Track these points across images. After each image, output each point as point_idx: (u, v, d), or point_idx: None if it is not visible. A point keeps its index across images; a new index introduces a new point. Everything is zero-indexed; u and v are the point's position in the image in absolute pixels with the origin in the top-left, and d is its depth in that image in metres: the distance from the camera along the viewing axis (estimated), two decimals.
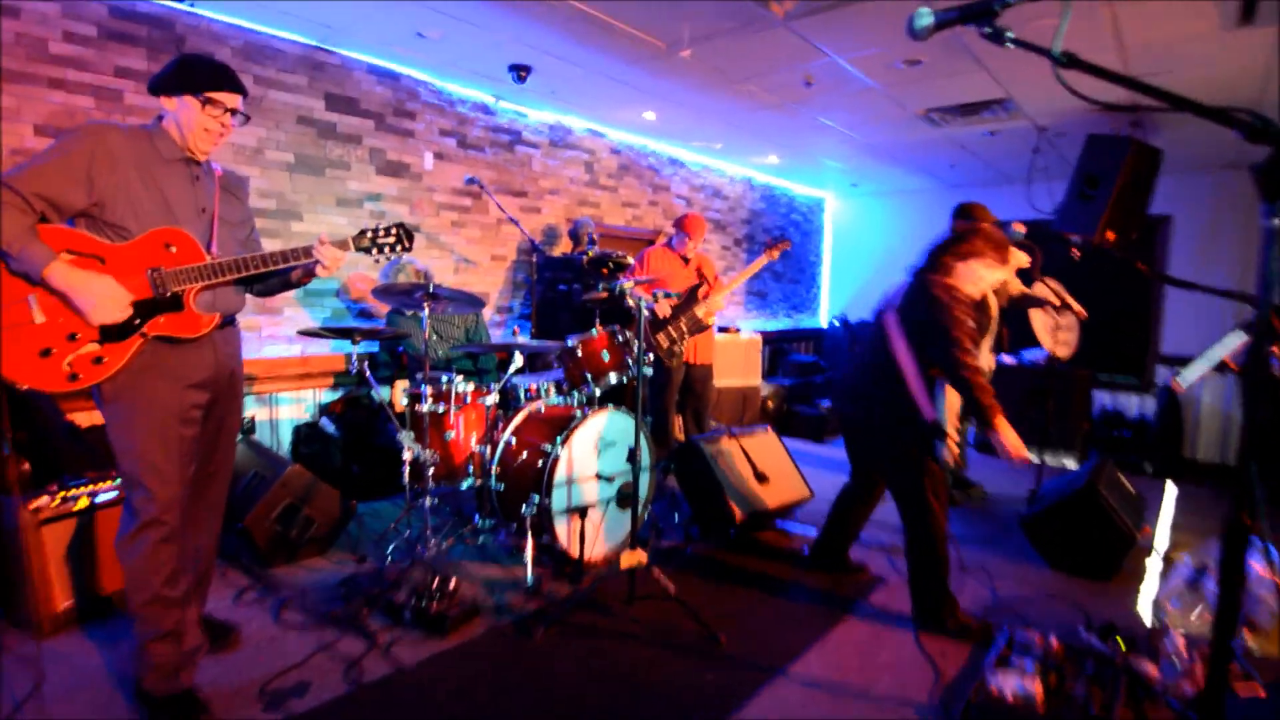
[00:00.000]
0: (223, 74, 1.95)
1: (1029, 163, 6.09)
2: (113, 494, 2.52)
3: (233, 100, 1.97)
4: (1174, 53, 3.72)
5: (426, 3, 3.40)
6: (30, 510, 2.34)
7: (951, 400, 2.66)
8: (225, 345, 2.09)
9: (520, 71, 4.32)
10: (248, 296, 2.23)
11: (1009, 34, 1.34)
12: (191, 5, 3.47)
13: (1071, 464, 5.38)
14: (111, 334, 1.83)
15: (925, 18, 1.41)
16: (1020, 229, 3.81)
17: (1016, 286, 4.15)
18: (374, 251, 2.19)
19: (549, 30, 3.71)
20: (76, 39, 3.21)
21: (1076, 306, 4.20)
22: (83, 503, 2.45)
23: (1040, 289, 4.20)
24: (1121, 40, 3.61)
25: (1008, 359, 5.71)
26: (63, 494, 2.42)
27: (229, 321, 2.11)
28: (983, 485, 4.43)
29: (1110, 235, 3.72)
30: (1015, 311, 4.18)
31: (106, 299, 1.79)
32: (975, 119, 5.23)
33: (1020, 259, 3.93)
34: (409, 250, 2.21)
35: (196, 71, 1.94)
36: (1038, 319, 4.36)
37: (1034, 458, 5.18)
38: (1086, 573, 3.25)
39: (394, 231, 2.21)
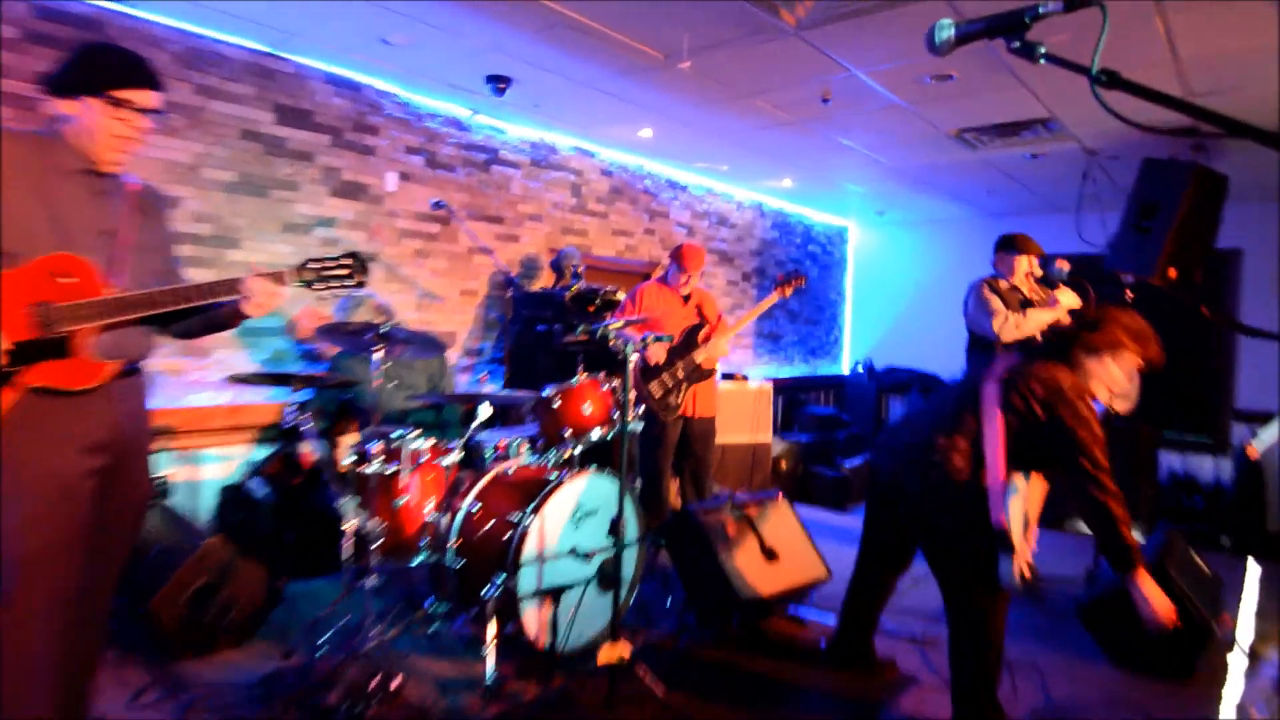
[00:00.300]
0: (133, 67, 1.88)
1: (1078, 190, 6.15)
2: None
3: (147, 99, 1.88)
4: (1235, 69, 3.77)
5: (392, 7, 3.46)
6: None
7: (1027, 507, 2.55)
8: (127, 399, 1.98)
9: (499, 83, 4.37)
10: (167, 336, 2.14)
11: (1041, 49, 1.33)
12: (128, 6, 3.53)
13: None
14: None
15: (946, 30, 1.40)
16: (1064, 266, 3.81)
17: None
18: (318, 286, 2.06)
19: (531, 38, 3.76)
20: None
21: None
22: None
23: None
24: (1176, 54, 3.66)
25: None
26: None
27: (134, 370, 2.01)
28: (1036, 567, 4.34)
29: (1171, 273, 3.71)
30: None
31: None
32: (1015, 140, 5.30)
33: (1069, 299, 3.93)
34: (364, 285, 2.11)
35: (100, 66, 1.85)
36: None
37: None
38: (1156, 670, 3.14)
39: (345, 262, 2.08)
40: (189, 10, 3.63)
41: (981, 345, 4.05)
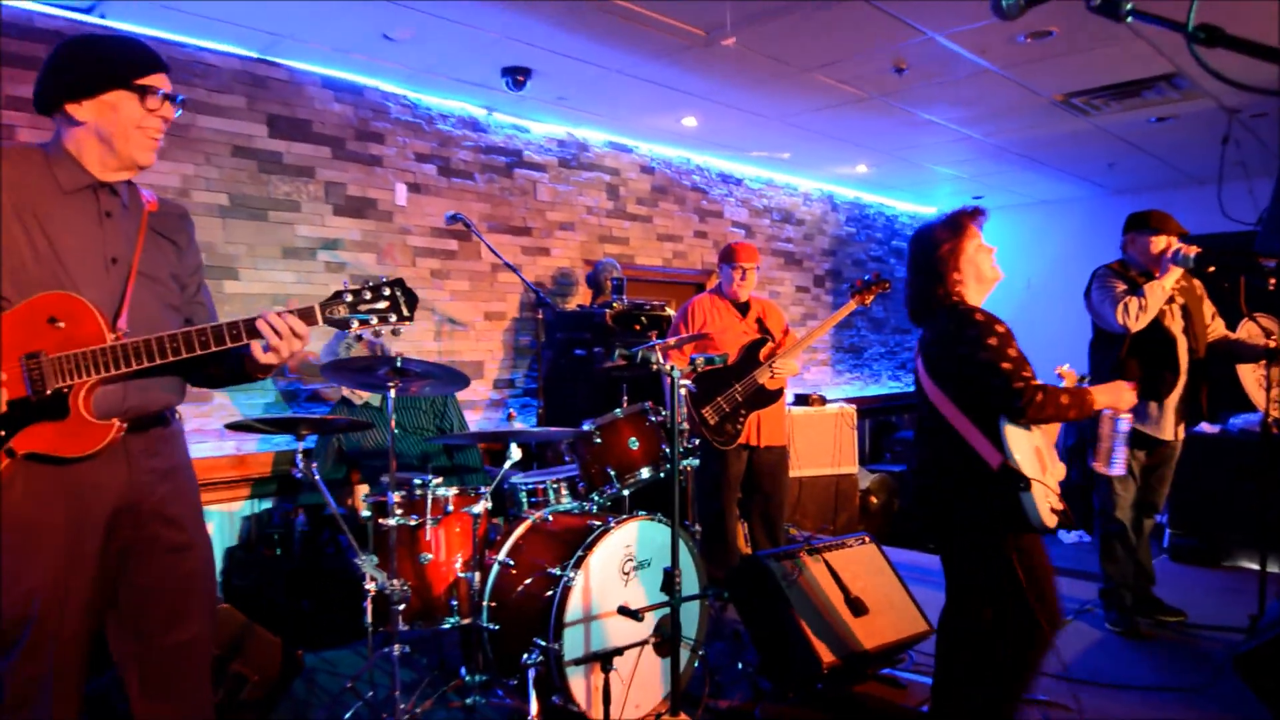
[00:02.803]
0: (147, 50, 1.95)
1: (1218, 156, 6.04)
2: None
3: (167, 83, 1.95)
4: None
5: None
6: None
7: (1040, 443, 2.59)
8: (146, 457, 1.93)
9: (517, 76, 4.55)
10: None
11: (1128, 5, 1.38)
12: (101, 16, 3.80)
13: None
14: None
15: None
16: (1190, 252, 3.73)
17: (1217, 329, 4.05)
18: (356, 325, 1.96)
19: (550, 22, 3.91)
20: None
21: None
22: None
23: (1249, 329, 4.09)
24: None
25: (1208, 428, 5.52)
26: None
27: (159, 420, 1.99)
28: (1184, 610, 4.24)
29: None
30: (1216, 363, 4.08)
31: None
32: (1136, 102, 5.26)
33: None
34: (410, 320, 2.00)
35: (119, 54, 1.91)
36: (1247, 372, 4.23)
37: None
38: None
39: (389, 292, 1.97)
40: (168, 17, 3.87)
41: (1107, 341, 4.00)
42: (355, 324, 1.95)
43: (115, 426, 1.82)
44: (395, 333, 2.00)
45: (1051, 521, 2.45)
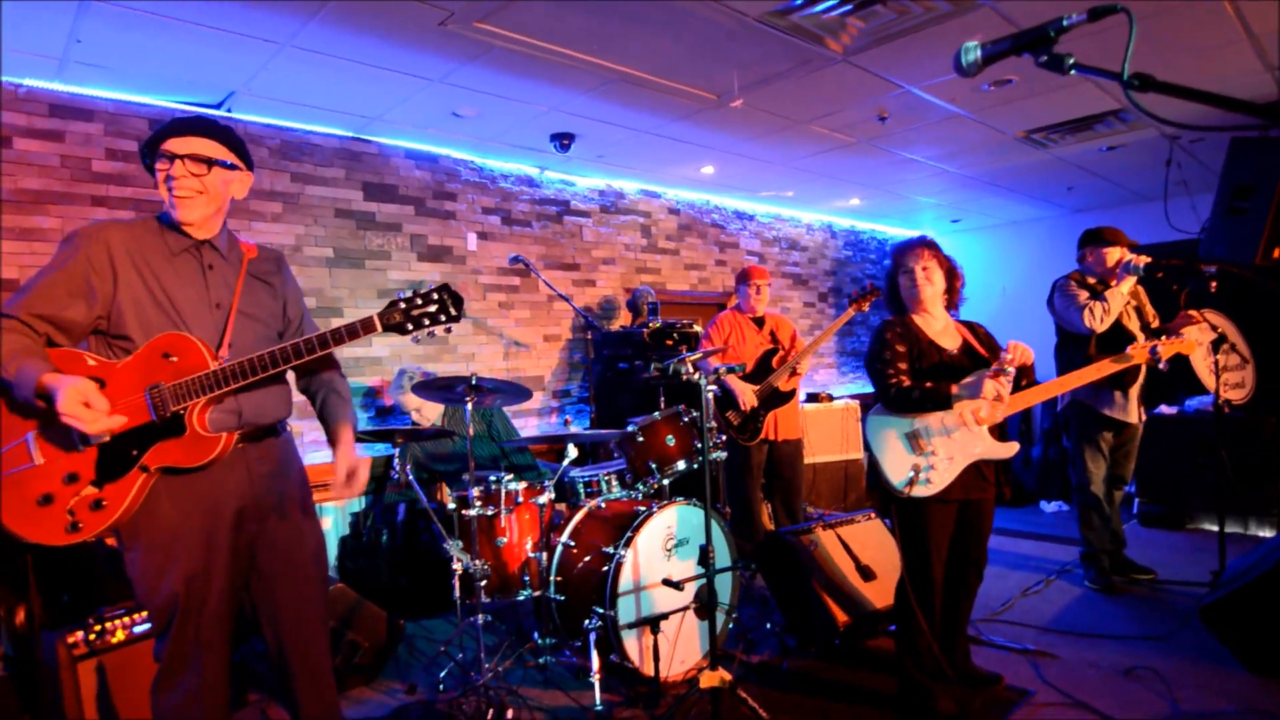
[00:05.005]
0: (173, 119, 1.92)
1: (1163, 177, 5.88)
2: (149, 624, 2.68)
3: (185, 144, 1.87)
4: None
5: (459, 83, 3.71)
6: (67, 645, 2.53)
7: (922, 426, 2.70)
8: (262, 463, 1.97)
9: (563, 140, 4.60)
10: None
11: (1070, 60, 1.36)
12: (229, 110, 3.92)
13: (1267, 533, 4.92)
14: (108, 471, 1.77)
15: (972, 53, 1.45)
16: (1140, 261, 3.64)
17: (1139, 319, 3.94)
18: (411, 328, 1.85)
19: (587, 96, 3.96)
20: (119, 155, 3.66)
21: (1242, 347, 3.95)
22: (119, 636, 2.63)
23: (1187, 326, 3.98)
24: (1249, 29, 3.53)
25: (1168, 409, 5.37)
26: (99, 626, 2.60)
27: (270, 432, 2.01)
28: (1154, 569, 4.12)
29: (1276, 253, 3.52)
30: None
31: (73, 397, 1.67)
32: (1088, 135, 5.15)
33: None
34: (457, 320, 1.90)
35: (154, 132, 1.91)
36: (1199, 360, 4.12)
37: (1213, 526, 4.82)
38: None
39: (437, 296, 1.86)
40: (283, 109, 4.00)
41: (1073, 342, 3.92)
42: (411, 327, 1.85)
43: (225, 438, 1.84)
44: (448, 330, 1.90)
45: (905, 488, 2.62)
